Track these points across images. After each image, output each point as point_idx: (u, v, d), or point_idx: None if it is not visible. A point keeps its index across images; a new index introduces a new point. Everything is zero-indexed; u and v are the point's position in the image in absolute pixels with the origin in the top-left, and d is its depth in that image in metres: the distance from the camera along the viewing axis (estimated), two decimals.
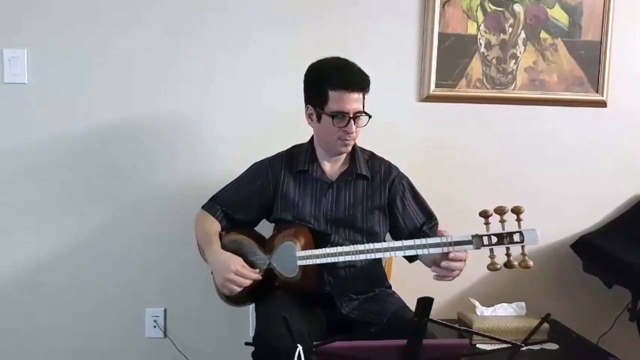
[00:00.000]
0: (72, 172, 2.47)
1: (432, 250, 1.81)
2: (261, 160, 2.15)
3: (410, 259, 2.05)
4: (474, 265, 1.86)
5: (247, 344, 1.77)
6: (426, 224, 2.09)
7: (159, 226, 2.50)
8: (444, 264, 1.80)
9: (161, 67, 2.45)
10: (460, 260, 1.80)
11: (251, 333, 2.13)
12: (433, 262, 1.85)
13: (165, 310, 2.56)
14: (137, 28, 2.43)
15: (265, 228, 2.18)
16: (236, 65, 2.48)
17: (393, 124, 2.50)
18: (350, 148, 2.05)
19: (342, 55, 2.02)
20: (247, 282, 1.93)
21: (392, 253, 1.89)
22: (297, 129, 2.14)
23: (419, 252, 1.83)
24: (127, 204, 2.49)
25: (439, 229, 1.86)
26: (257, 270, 1.98)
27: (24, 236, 2.47)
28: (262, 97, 2.49)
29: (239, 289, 1.93)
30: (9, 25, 2.39)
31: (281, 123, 2.42)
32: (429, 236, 1.89)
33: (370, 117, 2.00)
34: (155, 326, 2.54)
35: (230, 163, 2.28)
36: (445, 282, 1.87)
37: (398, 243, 1.87)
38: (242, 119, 2.50)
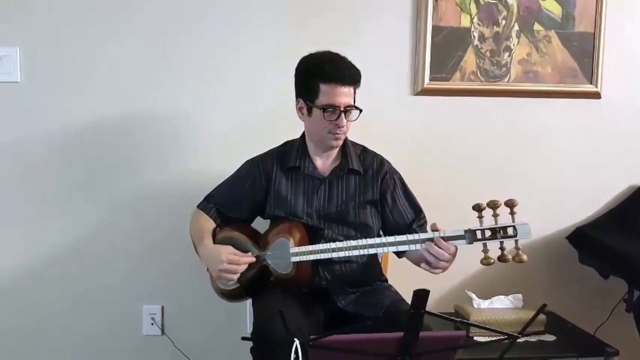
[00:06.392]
0: (67, 171, 2.46)
1: (425, 245, 1.82)
2: (253, 158, 2.15)
3: (399, 254, 2.06)
4: (470, 258, 1.86)
5: (244, 338, 1.77)
6: (415, 221, 2.09)
7: (155, 224, 2.50)
8: (428, 247, 1.80)
9: (157, 65, 2.45)
10: (446, 251, 1.80)
11: (249, 328, 2.14)
12: (422, 260, 1.86)
13: (162, 308, 2.56)
14: (132, 26, 2.42)
15: (261, 224, 2.18)
16: (232, 63, 2.47)
17: (387, 118, 2.50)
18: (340, 142, 2.05)
19: (337, 50, 2.02)
20: (242, 268, 1.94)
21: (385, 248, 1.90)
22: (293, 126, 2.14)
23: (412, 247, 1.84)
24: (123, 202, 2.49)
25: (432, 223, 1.86)
26: (249, 253, 1.98)
27: (19, 235, 2.47)
28: (258, 95, 2.49)
29: (235, 277, 1.94)
30: (1, 23, 2.38)
31: (277, 121, 2.41)
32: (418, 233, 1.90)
33: (360, 111, 2.00)
34: (152, 323, 2.54)
35: (226, 160, 2.28)
36: (440, 274, 1.88)
37: (391, 238, 1.88)
38: (238, 116, 2.49)
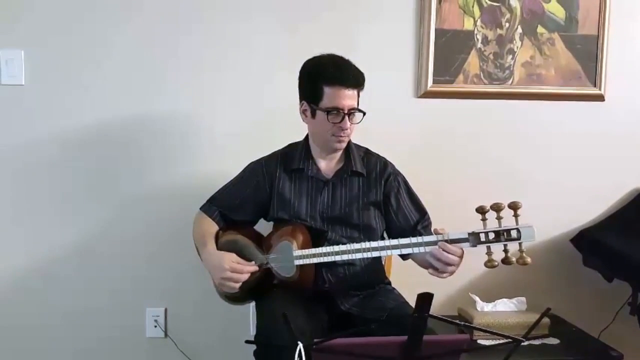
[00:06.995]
0: (71, 173, 2.46)
1: (428, 248, 1.81)
2: (256, 160, 2.15)
3: (404, 256, 2.06)
4: (474, 261, 1.86)
5: (247, 342, 1.77)
6: (420, 223, 2.09)
7: (158, 226, 2.50)
8: (435, 253, 1.80)
9: (159, 67, 2.45)
10: (454, 255, 1.80)
11: (252, 331, 2.14)
12: (428, 264, 1.86)
13: (165, 310, 2.56)
14: (134, 28, 2.43)
15: (264, 227, 2.18)
16: (234, 65, 2.47)
17: (391, 120, 2.50)
18: (344, 145, 2.05)
19: (340, 53, 2.02)
20: (244, 277, 1.93)
21: (389, 251, 1.90)
22: (296, 128, 2.14)
23: (415, 250, 1.84)
24: (126, 204, 2.49)
25: (435, 227, 1.86)
26: (252, 262, 1.98)
27: (22, 237, 2.47)
28: (261, 96, 2.49)
29: (237, 285, 1.93)
30: (5, 26, 2.38)
31: (280, 122, 2.41)
32: (422, 235, 1.89)
33: (364, 114, 2.00)
34: (156, 326, 2.54)
35: (229, 162, 2.28)
36: (445, 278, 1.87)
37: (394, 241, 1.88)
38: (241, 118, 2.49)
